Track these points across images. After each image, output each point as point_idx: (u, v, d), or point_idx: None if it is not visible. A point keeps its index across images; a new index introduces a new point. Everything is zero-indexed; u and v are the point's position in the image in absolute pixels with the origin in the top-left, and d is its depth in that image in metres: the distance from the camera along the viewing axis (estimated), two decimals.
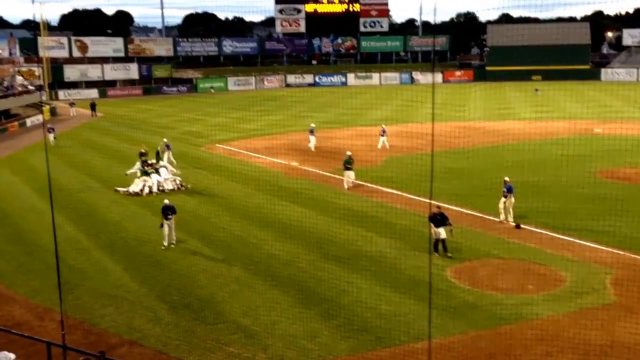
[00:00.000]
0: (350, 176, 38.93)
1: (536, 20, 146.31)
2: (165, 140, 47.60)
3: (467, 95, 73.91)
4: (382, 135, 52.04)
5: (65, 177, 41.59)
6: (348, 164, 38.83)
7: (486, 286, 23.25)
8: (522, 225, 30.09)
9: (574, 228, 29.13)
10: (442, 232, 26.18)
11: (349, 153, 39.42)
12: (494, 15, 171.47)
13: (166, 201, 29.25)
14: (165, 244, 28.37)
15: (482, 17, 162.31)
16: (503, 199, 30.99)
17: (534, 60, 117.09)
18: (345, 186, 38.87)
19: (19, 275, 26.02)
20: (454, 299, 22.30)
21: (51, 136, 57.37)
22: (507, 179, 31.32)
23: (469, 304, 21.96)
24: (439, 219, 26.06)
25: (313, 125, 54.33)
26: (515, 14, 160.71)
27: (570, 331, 19.46)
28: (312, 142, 52.39)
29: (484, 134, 45.32)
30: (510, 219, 30.88)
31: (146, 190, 38.72)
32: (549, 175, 37.97)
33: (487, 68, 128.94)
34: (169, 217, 28.53)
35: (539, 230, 29.47)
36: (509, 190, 30.79)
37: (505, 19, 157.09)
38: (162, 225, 28.60)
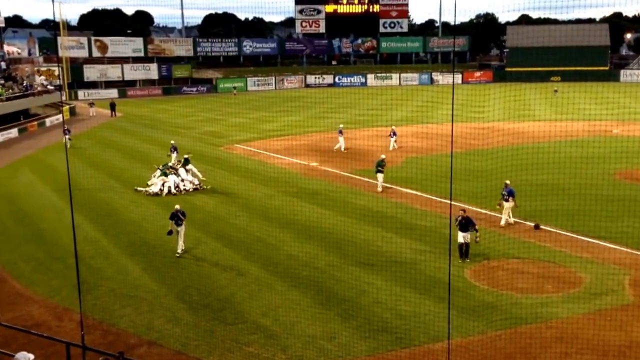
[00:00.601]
0: (379, 179, 38.26)
1: (555, 22, 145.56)
2: (172, 142, 47.75)
3: (486, 96, 73.56)
4: (392, 137, 51.85)
5: (85, 176, 41.73)
6: (380, 167, 38.14)
7: (505, 287, 23.18)
8: (540, 226, 29.96)
9: (592, 229, 28.97)
10: (465, 237, 26.01)
11: (383, 156, 39.02)
12: (513, 17, 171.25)
13: (177, 206, 28.40)
14: (180, 251, 27.72)
15: (502, 18, 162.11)
16: (504, 203, 30.73)
17: (553, 61, 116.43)
18: (379, 189, 38.26)
19: (37, 275, 26.16)
20: (473, 299, 22.29)
21: (67, 138, 57.59)
22: (508, 182, 31.02)
23: (487, 304, 21.91)
24: (463, 222, 25.94)
25: (341, 126, 54.26)
26: (534, 15, 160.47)
27: (588, 332, 19.39)
28: (340, 143, 51.95)
29: (503, 135, 45.07)
30: (510, 219, 30.82)
31: (165, 190, 38.89)
32: (567, 176, 37.73)
33: (507, 69, 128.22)
34: (180, 222, 27.69)
35: (557, 231, 29.33)
36: (510, 193, 30.41)
37: (525, 20, 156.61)
38: (170, 233, 27.80)
